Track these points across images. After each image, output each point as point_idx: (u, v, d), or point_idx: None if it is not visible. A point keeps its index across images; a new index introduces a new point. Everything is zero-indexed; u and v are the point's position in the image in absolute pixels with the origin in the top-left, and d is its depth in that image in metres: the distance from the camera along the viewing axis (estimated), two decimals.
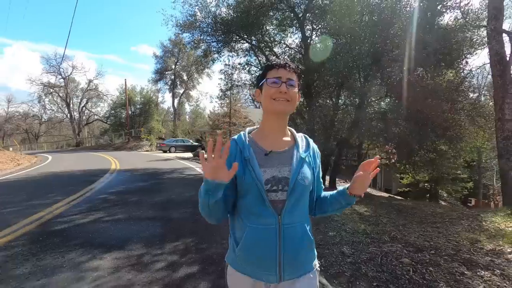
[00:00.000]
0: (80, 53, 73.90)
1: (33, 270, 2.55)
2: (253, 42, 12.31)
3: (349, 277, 2.63)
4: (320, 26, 10.95)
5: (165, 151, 21.97)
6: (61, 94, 35.30)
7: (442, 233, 4.04)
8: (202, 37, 12.10)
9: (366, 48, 7.05)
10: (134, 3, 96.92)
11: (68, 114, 35.80)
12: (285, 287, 1.00)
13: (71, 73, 34.66)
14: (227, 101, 18.67)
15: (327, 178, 9.27)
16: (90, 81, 36.01)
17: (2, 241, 3.24)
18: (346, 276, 2.65)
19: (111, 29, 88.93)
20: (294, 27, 11.97)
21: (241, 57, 12.70)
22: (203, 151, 0.67)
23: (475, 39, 7.61)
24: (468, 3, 7.62)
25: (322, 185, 1.17)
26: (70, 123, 36.17)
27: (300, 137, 1.10)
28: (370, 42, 7.10)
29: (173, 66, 37.22)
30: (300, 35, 11.68)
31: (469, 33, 7.26)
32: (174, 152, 21.58)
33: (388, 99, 9.94)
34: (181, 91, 39.59)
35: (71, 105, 35.57)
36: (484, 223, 4.55)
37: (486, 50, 7.52)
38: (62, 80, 34.35)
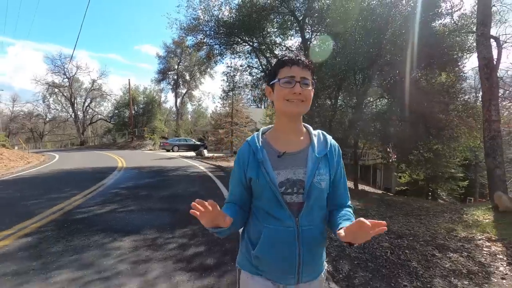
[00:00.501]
0: (82, 53, 74.62)
1: (65, 249, 3.00)
2: (255, 45, 12.74)
3: (334, 257, 3.06)
4: (319, 29, 11.35)
5: (168, 150, 22.46)
6: (65, 94, 35.89)
7: (424, 223, 4.46)
8: (205, 40, 12.53)
9: (361, 52, 7.45)
10: (135, 2, 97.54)
11: (73, 114, 36.40)
12: None
13: (75, 73, 35.27)
14: (229, 101, 19.12)
15: None
16: (94, 81, 36.61)
17: (33, 226, 3.70)
18: (332, 256, 3.07)
19: (113, 29, 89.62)
20: (294, 30, 12.40)
21: (242, 59, 13.15)
22: (196, 211, 0.80)
23: (466, 44, 7.99)
24: (460, 9, 8.03)
25: (347, 189, 1.07)
26: (74, 122, 36.75)
27: (316, 135, 1.04)
28: (365, 46, 7.50)
29: (176, 66, 37.75)
30: (300, 37, 12.11)
31: (459, 38, 7.64)
32: (177, 151, 22.07)
33: (386, 100, 10.37)
34: (184, 91, 40.15)
35: (75, 105, 36.16)
36: (465, 216, 4.96)
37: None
38: (66, 80, 34.92)
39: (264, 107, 30.25)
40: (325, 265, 1.07)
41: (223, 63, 18.02)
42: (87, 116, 38.61)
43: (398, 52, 7.46)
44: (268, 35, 12.64)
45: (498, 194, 5.04)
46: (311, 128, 1.04)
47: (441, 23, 7.82)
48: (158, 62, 41.75)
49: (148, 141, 27.86)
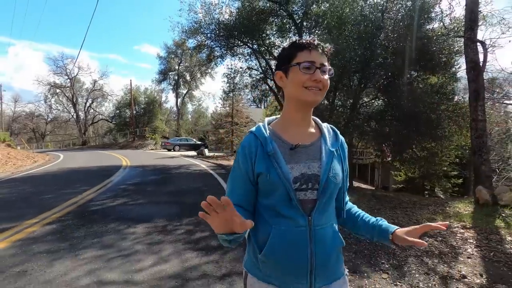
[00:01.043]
0: (83, 53, 75.32)
1: (87, 234, 3.42)
2: (254, 47, 13.15)
3: None
4: (316, 32, 11.76)
5: (169, 150, 22.88)
6: (67, 94, 36.32)
7: (408, 214, 4.88)
8: (206, 43, 12.94)
9: (355, 54, 7.85)
10: (135, 2, 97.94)
11: (74, 114, 36.82)
12: None
13: (77, 74, 35.70)
14: (230, 102, 19.56)
15: None
16: (95, 81, 37.04)
17: (54, 216, 4.12)
18: None
19: (112, 29, 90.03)
20: (292, 33, 12.81)
21: (242, 61, 13.57)
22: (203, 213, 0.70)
23: (455, 48, 8.41)
24: (449, 14, 8.45)
25: (347, 186, 1.02)
26: (76, 122, 37.19)
27: (326, 127, 0.99)
28: (359, 49, 7.91)
29: (177, 67, 38.17)
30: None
31: (446, 43, 8.05)
32: (179, 151, 22.49)
33: (381, 101, 10.79)
34: (184, 91, 40.57)
35: (77, 105, 36.60)
36: (447, 208, 5.37)
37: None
38: (68, 80, 35.34)
39: (264, 107, 30.66)
40: (346, 269, 0.97)
41: (223, 64, 18.36)
42: (89, 116, 39.05)
43: (390, 55, 7.88)
44: (267, 37, 13.05)
45: (479, 188, 5.45)
46: (319, 120, 1.00)
47: (431, 28, 8.23)
48: (159, 62, 42.28)
49: (150, 140, 28.29)
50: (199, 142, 24.63)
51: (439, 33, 7.95)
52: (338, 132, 0.99)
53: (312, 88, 0.86)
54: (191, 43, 13.75)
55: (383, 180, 24.53)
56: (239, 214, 0.73)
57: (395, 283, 2.58)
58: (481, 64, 7.85)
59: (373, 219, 0.96)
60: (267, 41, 13.11)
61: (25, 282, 2.29)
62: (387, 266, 2.91)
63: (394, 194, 8.41)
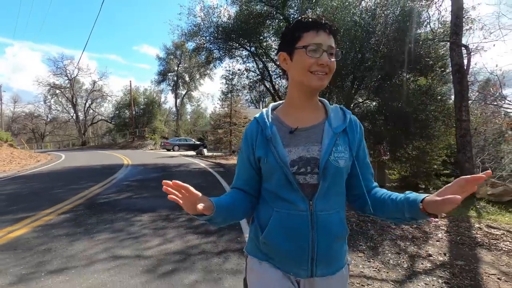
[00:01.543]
0: (81, 53, 75.20)
1: (98, 221, 3.81)
2: (252, 49, 13.58)
3: None
4: None
5: (169, 150, 23.26)
6: (66, 95, 36.63)
7: None
8: (205, 45, 13.34)
9: (347, 57, 8.28)
10: (134, 3, 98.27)
11: (74, 115, 37.13)
12: (318, 284, 0.88)
13: (77, 75, 36.02)
14: (228, 103, 19.96)
15: None
16: (94, 82, 37.38)
17: (66, 208, 4.51)
18: None
19: (112, 29, 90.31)
20: None
21: (240, 63, 13.99)
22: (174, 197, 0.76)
23: (440, 52, 8.86)
24: (437, 19, 8.91)
25: (372, 171, 0.96)
26: (75, 123, 37.49)
27: (333, 109, 0.94)
28: (351, 53, 8.34)
29: (176, 68, 38.56)
30: None
31: (433, 46, 8.50)
32: (178, 151, 22.88)
33: (375, 103, 11.23)
34: (183, 92, 40.96)
35: (76, 106, 36.91)
36: None
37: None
38: (68, 81, 35.66)
39: (262, 108, 31.04)
40: (349, 260, 0.95)
41: (222, 66, 18.76)
42: (88, 117, 39.36)
43: (379, 58, 8.32)
44: (264, 40, 13.48)
45: None
46: (327, 102, 0.95)
47: (419, 32, 8.67)
48: (158, 63, 42.54)
49: (149, 141, 28.66)
50: (198, 142, 25.01)
51: (426, 38, 8.40)
52: (349, 113, 0.93)
53: (317, 73, 0.83)
54: (190, 45, 14.16)
55: (379, 179, 24.97)
56: (224, 200, 0.85)
57: (368, 260, 2.98)
58: (465, 67, 8.31)
59: (401, 195, 0.85)
60: (264, 44, 13.54)
61: (52, 257, 2.69)
62: (364, 247, 3.32)
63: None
